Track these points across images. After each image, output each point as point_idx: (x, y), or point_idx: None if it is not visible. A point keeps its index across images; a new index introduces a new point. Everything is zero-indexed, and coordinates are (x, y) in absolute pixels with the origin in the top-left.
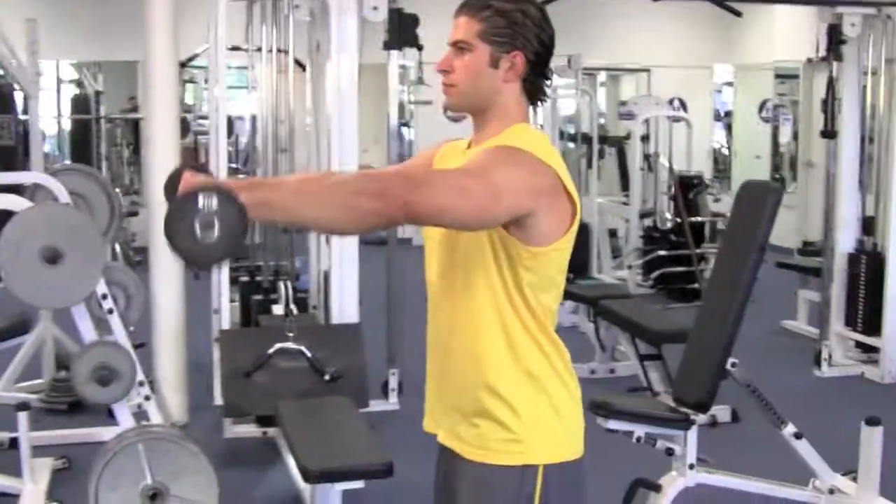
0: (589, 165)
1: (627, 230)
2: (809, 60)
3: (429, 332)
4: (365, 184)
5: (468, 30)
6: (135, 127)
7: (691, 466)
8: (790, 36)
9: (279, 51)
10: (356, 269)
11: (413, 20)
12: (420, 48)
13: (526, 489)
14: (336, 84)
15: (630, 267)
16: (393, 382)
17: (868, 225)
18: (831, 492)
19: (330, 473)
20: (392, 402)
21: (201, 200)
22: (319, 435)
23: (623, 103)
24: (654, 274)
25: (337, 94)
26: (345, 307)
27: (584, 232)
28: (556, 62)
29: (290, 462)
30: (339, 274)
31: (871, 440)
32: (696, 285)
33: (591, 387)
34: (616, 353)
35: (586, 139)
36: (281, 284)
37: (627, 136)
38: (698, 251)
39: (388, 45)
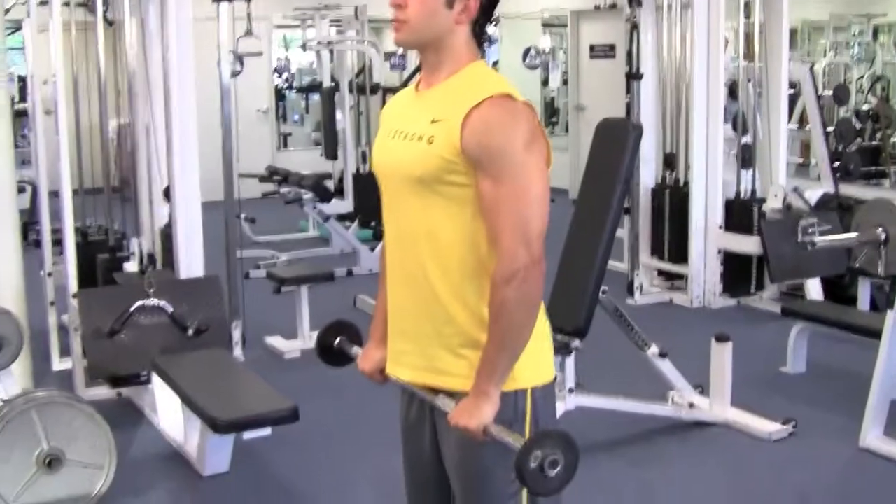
0: None
1: None
2: (597, 7)
3: (396, 276)
4: (514, 295)
5: None
6: None
7: (570, 390)
8: None
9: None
10: (200, 224)
11: None
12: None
13: (519, 411)
14: (172, 39)
15: None
16: (236, 335)
17: (669, 161)
18: (691, 405)
19: (238, 423)
20: (237, 355)
21: (533, 464)
22: (215, 386)
23: (390, 54)
24: None
25: (173, 49)
26: (191, 262)
27: (374, 180)
28: (342, 13)
29: (159, 419)
30: (184, 229)
31: (722, 355)
32: None
33: None
34: None
35: (375, 90)
36: (134, 241)
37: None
38: None
39: None
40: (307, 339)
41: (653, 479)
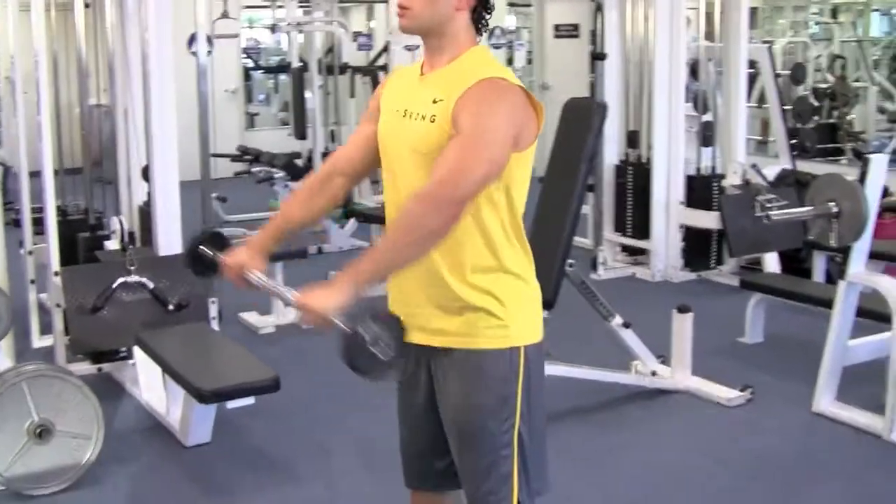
0: (351, 95)
1: None
2: None
3: None
4: (421, 212)
5: None
6: None
7: None
8: None
9: None
10: (178, 203)
11: None
12: None
13: (513, 367)
14: (151, 20)
15: None
16: (213, 311)
17: (632, 139)
18: (653, 374)
19: (222, 392)
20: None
21: (365, 334)
22: (198, 358)
23: (357, 34)
24: None
25: (152, 30)
26: (170, 240)
27: None
28: None
29: (141, 392)
30: (163, 208)
31: (683, 326)
32: None
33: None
34: None
35: (343, 70)
36: (114, 219)
37: (383, 67)
38: None
39: None
40: (282, 314)
41: (619, 443)
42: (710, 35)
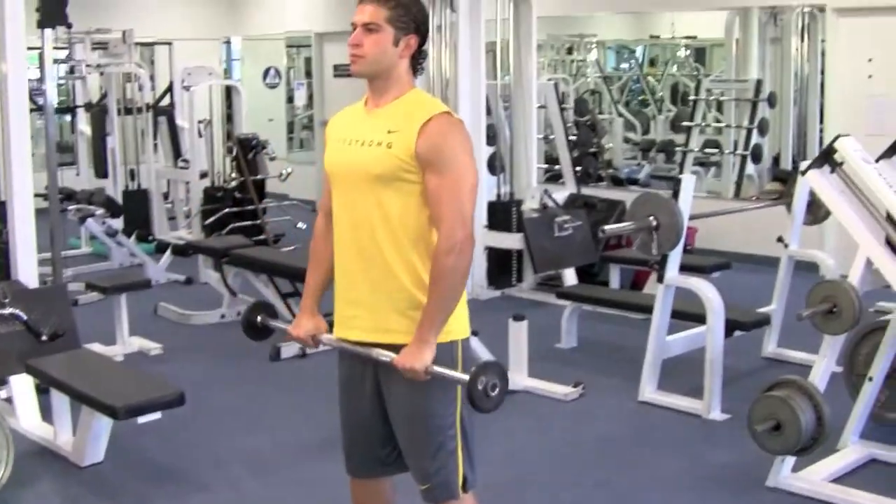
0: (154, 136)
1: (188, 192)
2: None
3: (349, 256)
4: (453, 265)
5: (377, 15)
6: None
7: None
8: (301, 10)
9: None
10: (34, 237)
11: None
12: (69, 26)
13: (453, 359)
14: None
15: (200, 225)
16: None
17: None
18: None
19: (135, 408)
20: None
21: (480, 388)
22: (98, 380)
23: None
24: (226, 230)
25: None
26: (28, 274)
27: (144, 196)
28: (110, 35)
29: (18, 420)
30: (22, 242)
31: (519, 332)
32: (263, 236)
33: (224, 330)
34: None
35: (140, 110)
36: None
37: (171, 105)
38: (262, 205)
39: (42, 24)
40: (127, 344)
41: (478, 437)
42: (501, 72)
